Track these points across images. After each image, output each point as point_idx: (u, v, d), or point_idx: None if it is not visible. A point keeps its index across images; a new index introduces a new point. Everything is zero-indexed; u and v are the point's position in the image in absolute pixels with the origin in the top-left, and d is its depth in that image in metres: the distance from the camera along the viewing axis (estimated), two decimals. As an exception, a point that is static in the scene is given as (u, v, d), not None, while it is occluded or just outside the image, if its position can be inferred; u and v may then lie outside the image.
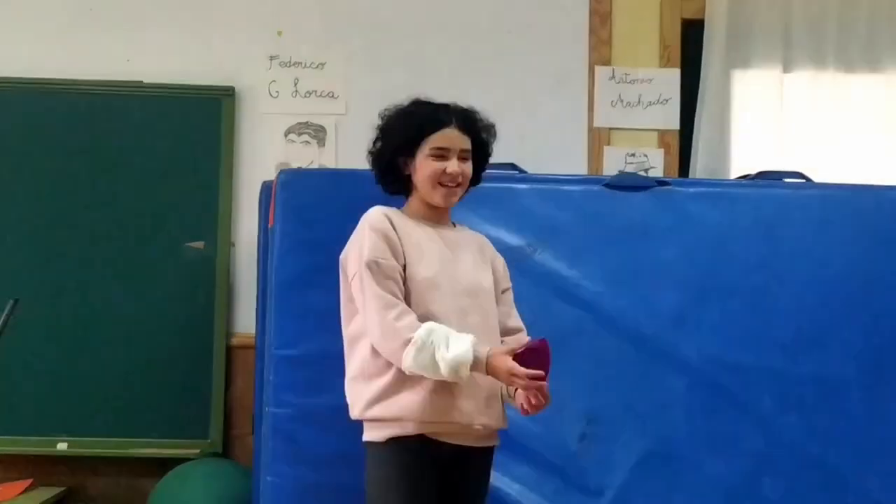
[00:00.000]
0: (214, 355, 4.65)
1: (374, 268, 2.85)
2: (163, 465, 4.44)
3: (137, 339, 4.62)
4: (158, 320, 4.63)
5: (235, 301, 4.74)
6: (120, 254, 4.65)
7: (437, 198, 2.96)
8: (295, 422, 3.64)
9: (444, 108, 2.99)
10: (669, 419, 3.72)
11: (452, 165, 2.92)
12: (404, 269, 2.89)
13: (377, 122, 3.05)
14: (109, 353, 4.60)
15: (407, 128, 2.97)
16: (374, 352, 2.89)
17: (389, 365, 2.86)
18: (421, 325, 2.77)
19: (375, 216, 2.94)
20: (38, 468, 4.63)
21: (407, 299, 2.86)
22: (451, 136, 2.94)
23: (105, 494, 4.66)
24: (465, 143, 2.96)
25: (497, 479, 3.57)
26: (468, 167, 2.98)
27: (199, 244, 4.69)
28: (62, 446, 4.55)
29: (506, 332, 3.07)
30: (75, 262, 4.64)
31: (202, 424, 4.61)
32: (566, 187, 3.92)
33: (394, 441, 2.87)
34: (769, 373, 3.74)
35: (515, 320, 3.13)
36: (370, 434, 2.93)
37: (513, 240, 3.74)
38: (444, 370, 2.73)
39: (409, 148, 2.96)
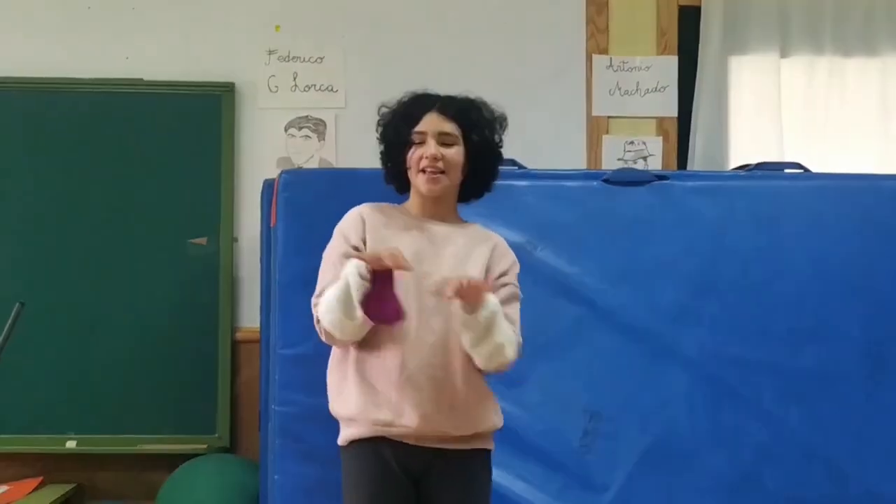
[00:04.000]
0: (220, 350, 4.69)
1: (327, 262, 2.86)
2: (171, 461, 4.49)
3: (143, 336, 4.65)
4: (163, 317, 4.67)
5: (239, 296, 4.77)
6: (124, 252, 4.68)
7: (420, 185, 2.89)
8: (301, 420, 3.67)
9: (431, 96, 2.93)
10: (672, 414, 3.75)
11: (429, 148, 2.84)
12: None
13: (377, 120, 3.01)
14: (116, 351, 4.64)
15: (395, 127, 2.92)
16: (338, 349, 2.89)
17: (341, 361, 2.86)
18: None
19: (348, 214, 2.95)
20: (48, 466, 4.68)
21: None
22: (429, 120, 2.87)
23: (114, 490, 4.71)
24: (445, 125, 2.87)
25: (501, 476, 3.60)
26: (452, 152, 2.87)
27: (203, 240, 4.71)
28: (71, 444, 4.59)
29: None
30: (79, 261, 4.67)
31: (209, 419, 4.65)
32: (565, 183, 3.93)
33: (354, 444, 2.86)
34: (770, 366, 3.77)
35: None
36: (339, 437, 2.92)
37: (513, 237, 3.71)
38: (336, 310, 2.70)
39: (402, 145, 2.91)
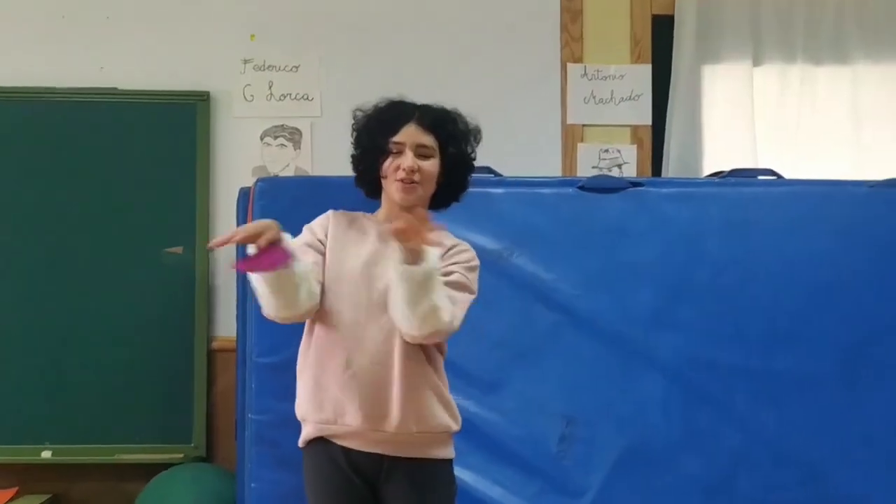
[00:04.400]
0: (196, 359, 4.67)
1: None
2: (147, 470, 4.47)
3: (119, 345, 4.64)
4: (139, 326, 4.66)
5: (215, 305, 4.76)
6: (99, 261, 4.67)
7: (395, 194, 2.90)
8: (277, 428, 3.66)
9: (410, 106, 2.94)
10: (648, 419, 3.78)
11: (407, 160, 2.85)
12: (323, 263, 2.87)
13: (351, 124, 3.02)
14: (91, 361, 4.62)
15: (370, 133, 2.93)
16: (301, 348, 2.91)
17: (301, 365, 2.89)
18: None
19: (319, 217, 2.98)
20: (24, 476, 4.66)
21: (325, 294, 2.83)
22: (408, 131, 2.88)
23: (90, 500, 4.69)
24: (423, 138, 2.88)
25: (477, 481, 3.66)
26: (428, 164, 2.88)
27: (178, 249, 4.71)
28: (47, 454, 4.57)
29: None
30: (54, 270, 4.65)
31: (185, 429, 4.64)
32: (541, 190, 3.96)
33: (309, 445, 2.89)
34: (745, 370, 3.81)
35: None
36: (299, 439, 2.94)
37: (490, 244, 3.77)
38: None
39: (377, 152, 2.91)
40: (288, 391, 3.63)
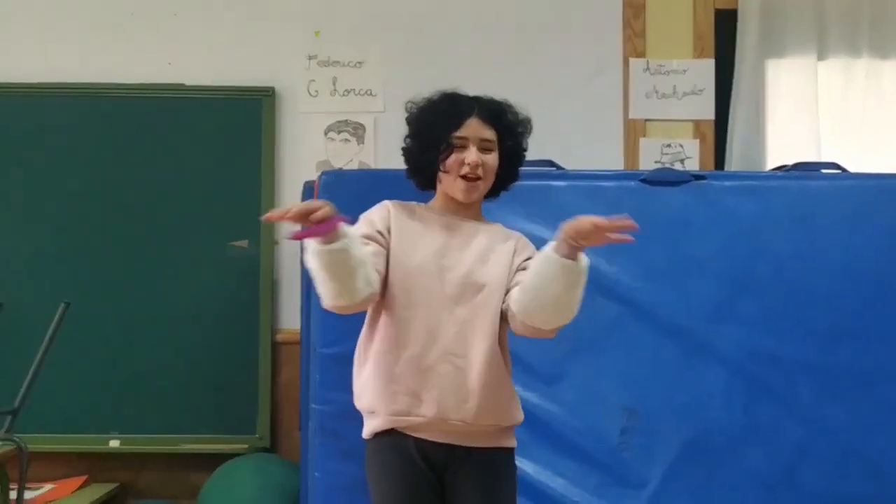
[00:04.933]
0: (260, 351, 4.75)
1: None
2: (212, 460, 4.55)
3: (185, 337, 4.73)
4: (205, 319, 4.74)
5: (280, 298, 4.83)
6: (166, 254, 4.76)
7: (457, 191, 2.87)
8: (340, 419, 3.67)
9: (467, 99, 2.91)
10: (709, 411, 3.75)
11: (471, 155, 2.83)
12: (388, 254, 2.84)
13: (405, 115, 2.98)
14: (158, 352, 4.72)
15: (431, 127, 2.88)
16: (362, 341, 2.89)
17: (362, 356, 2.87)
18: None
19: (376, 207, 2.94)
20: (93, 465, 4.77)
21: (392, 286, 2.80)
22: (471, 126, 2.85)
23: (156, 490, 4.79)
24: (486, 132, 2.86)
25: (538, 472, 3.66)
26: (490, 158, 2.87)
27: (243, 243, 4.78)
28: (114, 443, 4.68)
29: None
30: (122, 264, 4.75)
31: (250, 420, 4.72)
32: (603, 183, 3.96)
33: (377, 437, 2.85)
34: (807, 364, 3.77)
35: None
36: (364, 430, 2.91)
37: (551, 237, 3.76)
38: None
39: (436, 145, 2.87)
40: (351, 382, 3.68)
